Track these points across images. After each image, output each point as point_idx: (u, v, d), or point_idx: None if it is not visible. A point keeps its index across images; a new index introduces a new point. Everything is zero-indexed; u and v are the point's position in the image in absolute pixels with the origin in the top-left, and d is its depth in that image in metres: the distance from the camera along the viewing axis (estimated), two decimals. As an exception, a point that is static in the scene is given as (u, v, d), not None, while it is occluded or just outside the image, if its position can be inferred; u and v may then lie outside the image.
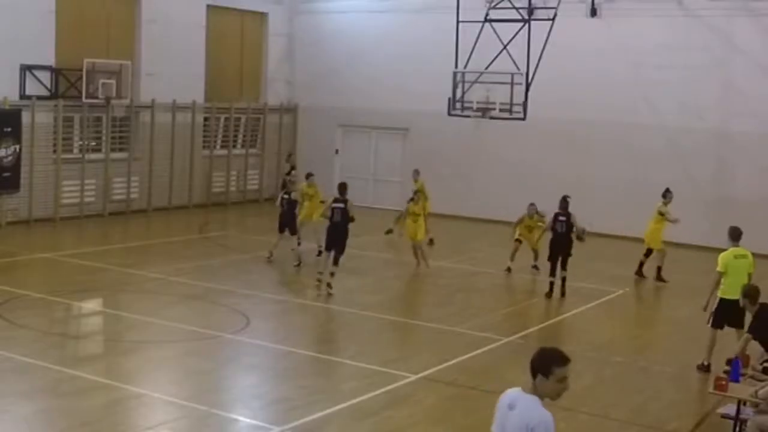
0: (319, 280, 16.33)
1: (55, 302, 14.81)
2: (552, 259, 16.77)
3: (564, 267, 16.73)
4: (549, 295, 16.75)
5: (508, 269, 18.65)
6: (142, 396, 10.66)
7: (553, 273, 16.80)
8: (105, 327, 14.36)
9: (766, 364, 10.45)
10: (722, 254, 12.74)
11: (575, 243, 16.79)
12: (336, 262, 16.07)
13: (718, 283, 12.61)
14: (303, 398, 10.74)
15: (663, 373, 12.67)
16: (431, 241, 21.18)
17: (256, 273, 18.22)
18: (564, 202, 16.92)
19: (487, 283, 18.23)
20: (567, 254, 16.74)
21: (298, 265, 18.42)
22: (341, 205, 16.21)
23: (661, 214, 18.64)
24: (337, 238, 16.11)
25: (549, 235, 17.02)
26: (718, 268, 12.58)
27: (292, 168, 23.29)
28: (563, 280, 16.78)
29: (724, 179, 23.05)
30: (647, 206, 23.28)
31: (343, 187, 16.43)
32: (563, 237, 16.71)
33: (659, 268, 18.69)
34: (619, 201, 23.64)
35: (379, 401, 10.83)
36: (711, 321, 12.63)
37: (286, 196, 18.66)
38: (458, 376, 12.02)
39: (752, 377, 10.15)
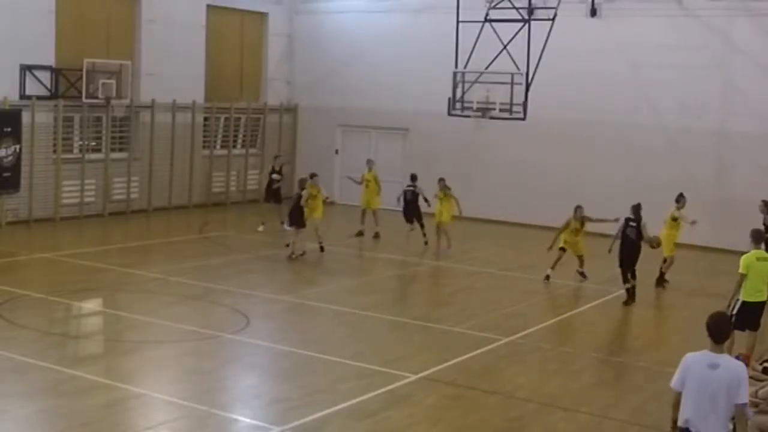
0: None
1: (55, 302, 14.81)
2: (624, 266, 16.63)
3: (633, 275, 16.67)
4: (628, 302, 16.55)
5: (548, 278, 18.06)
6: (142, 396, 10.66)
7: (626, 280, 16.64)
8: (105, 327, 14.36)
9: (766, 364, 10.46)
10: (744, 256, 12.60)
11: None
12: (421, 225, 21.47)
13: (740, 285, 12.47)
14: (303, 398, 10.74)
15: (663, 373, 12.62)
16: (377, 235, 21.97)
17: (256, 273, 18.23)
18: (636, 208, 16.85)
19: (487, 283, 18.22)
20: (635, 261, 16.68)
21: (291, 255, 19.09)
22: (411, 188, 21.84)
23: (675, 219, 18.39)
24: (411, 212, 21.63)
25: (617, 242, 16.88)
26: (741, 270, 12.44)
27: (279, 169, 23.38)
28: (633, 288, 16.69)
29: (724, 179, 23.05)
30: (647, 206, 23.33)
31: (414, 177, 22.05)
32: (633, 244, 16.62)
33: (663, 274, 18.50)
34: (619, 201, 23.56)
35: (378, 401, 10.83)
36: (732, 323, 12.51)
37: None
38: (458, 376, 12.02)
39: (752, 377, 10.15)
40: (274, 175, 22.62)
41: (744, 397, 7.03)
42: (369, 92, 27.41)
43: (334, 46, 28.28)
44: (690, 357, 7.22)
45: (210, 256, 19.49)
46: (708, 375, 7.01)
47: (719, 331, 7.12)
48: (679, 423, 7.22)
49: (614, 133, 24.11)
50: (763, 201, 18.24)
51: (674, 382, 7.28)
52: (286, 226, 20.38)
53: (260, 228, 22.25)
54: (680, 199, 18.59)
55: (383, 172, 27.34)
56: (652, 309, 16.86)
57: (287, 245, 19.37)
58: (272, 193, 22.81)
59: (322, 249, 19.73)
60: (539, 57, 20.51)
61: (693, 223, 18.31)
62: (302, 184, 19.74)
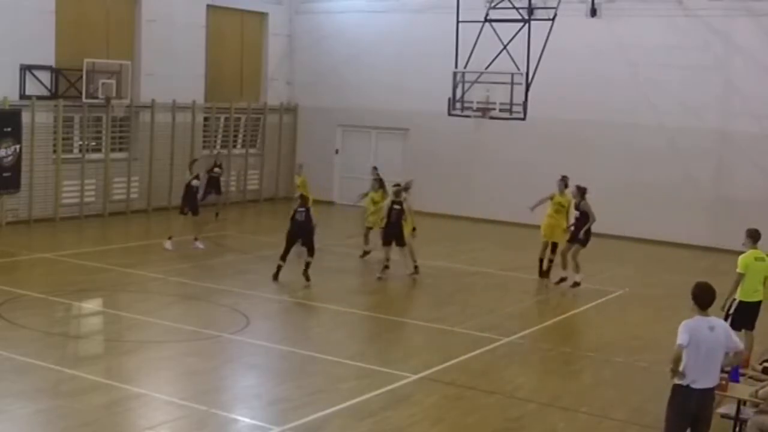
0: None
1: (55, 302, 14.81)
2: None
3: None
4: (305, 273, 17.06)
5: (365, 254, 19.30)
6: (142, 396, 10.66)
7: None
8: (105, 327, 14.36)
9: (766, 364, 10.45)
10: (742, 256, 12.54)
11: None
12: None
13: (737, 285, 12.44)
14: (303, 398, 10.75)
15: (663, 373, 12.56)
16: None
17: (256, 273, 18.22)
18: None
19: (487, 283, 18.21)
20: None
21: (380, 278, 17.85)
22: (398, 207, 17.73)
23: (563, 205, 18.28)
24: (398, 233, 17.79)
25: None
26: (739, 270, 12.39)
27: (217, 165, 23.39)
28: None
29: (724, 179, 23.05)
30: (647, 206, 23.43)
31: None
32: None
33: (550, 262, 18.34)
34: (619, 201, 23.63)
35: (379, 401, 10.83)
36: (729, 324, 12.47)
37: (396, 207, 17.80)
38: (458, 376, 12.02)
39: (752, 377, 10.16)
40: (195, 182, 20.24)
41: (739, 344, 8.47)
42: (369, 92, 27.42)
43: (334, 46, 28.29)
44: (691, 323, 8.21)
45: (210, 256, 19.48)
46: (710, 336, 8.16)
47: (705, 298, 8.22)
48: (683, 382, 8.20)
49: (614, 133, 24.11)
50: (577, 186, 17.69)
51: (684, 341, 8.16)
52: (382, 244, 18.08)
53: (198, 241, 20.10)
54: (560, 183, 18.38)
55: (383, 173, 27.41)
56: (651, 309, 16.84)
57: (382, 271, 17.84)
58: (191, 201, 20.05)
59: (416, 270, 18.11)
60: (539, 57, 20.50)
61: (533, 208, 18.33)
62: (398, 195, 17.79)
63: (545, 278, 18.23)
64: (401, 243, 17.79)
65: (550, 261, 18.28)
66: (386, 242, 17.77)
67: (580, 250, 17.53)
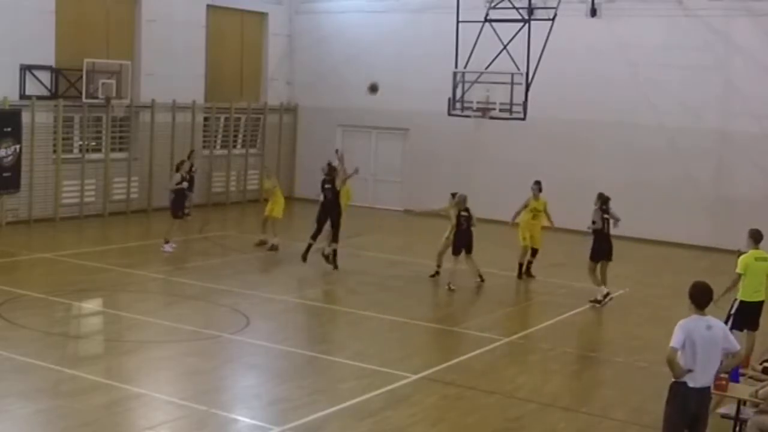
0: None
1: (55, 302, 14.81)
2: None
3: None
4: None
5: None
6: (142, 396, 10.66)
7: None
8: (105, 327, 14.36)
9: (766, 364, 10.45)
10: (742, 256, 12.53)
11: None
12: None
13: (735, 284, 12.44)
14: (303, 398, 10.75)
15: (663, 373, 12.57)
16: (274, 247, 20.00)
17: (256, 273, 18.24)
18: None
19: (487, 283, 18.20)
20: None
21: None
22: (465, 213, 17.50)
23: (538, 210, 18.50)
24: (469, 241, 17.47)
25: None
26: (738, 270, 12.40)
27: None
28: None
29: (724, 179, 23.06)
30: (647, 206, 23.42)
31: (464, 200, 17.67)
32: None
33: (530, 264, 18.68)
34: (619, 201, 23.53)
35: (378, 401, 10.83)
36: (730, 324, 12.43)
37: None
38: (458, 376, 12.02)
39: (752, 377, 10.16)
40: (184, 183, 20.35)
41: (735, 345, 8.46)
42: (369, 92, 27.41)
43: (334, 46, 28.28)
44: (688, 323, 8.23)
45: (210, 256, 19.49)
46: (708, 335, 8.19)
47: (703, 298, 8.27)
48: (680, 379, 8.24)
49: (614, 133, 24.12)
50: (599, 195, 17.35)
51: (677, 343, 8.17)
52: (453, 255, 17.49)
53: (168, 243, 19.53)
54: (533, 186, 18.61)
55: (383, 173, 27.50)
56: (651, 309, 16.85)
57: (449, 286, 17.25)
58: (182, 203, 20.39)
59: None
60: (539, 57, 20.51)
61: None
62: (462, 203, 17.56)
63: (530, 277, 18.51)
64: (470, 251, 17.54)
65: (530, 263, 18.65)
66: (457, 251, 17.33)
67: (599, 264, 16.75)
